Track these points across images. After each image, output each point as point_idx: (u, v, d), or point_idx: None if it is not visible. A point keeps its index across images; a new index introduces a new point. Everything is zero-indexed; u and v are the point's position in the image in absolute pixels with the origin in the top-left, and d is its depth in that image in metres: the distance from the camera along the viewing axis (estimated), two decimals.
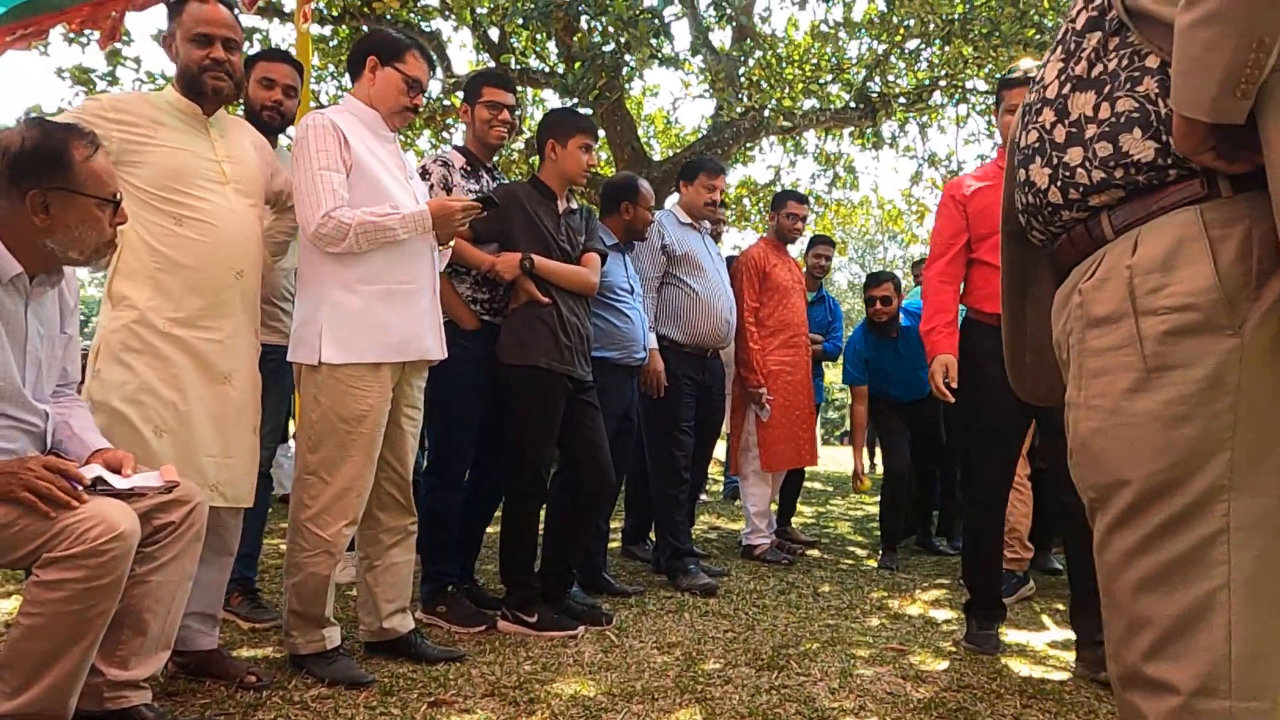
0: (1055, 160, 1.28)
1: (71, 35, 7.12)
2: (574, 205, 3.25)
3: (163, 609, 1.92)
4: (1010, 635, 3.23)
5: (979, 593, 3.07)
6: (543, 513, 3.18)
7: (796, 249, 5.47)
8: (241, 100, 2.84)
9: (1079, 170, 1.24)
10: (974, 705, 2.41)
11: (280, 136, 3.15)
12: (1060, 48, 1.31)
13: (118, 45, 7.79)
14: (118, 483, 1.81)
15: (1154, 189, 1.16)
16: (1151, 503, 1.10)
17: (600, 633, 3.01)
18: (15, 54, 5.11)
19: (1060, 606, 3.80)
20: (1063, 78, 1.28)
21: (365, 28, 8.29)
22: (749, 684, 2.51)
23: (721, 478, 9.03)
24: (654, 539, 4.29)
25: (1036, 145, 1.33)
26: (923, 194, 11.82)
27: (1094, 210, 1.25)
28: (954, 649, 2.99)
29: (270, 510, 4.60)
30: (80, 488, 1.73)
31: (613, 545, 4.60)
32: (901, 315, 4.98)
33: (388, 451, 2.57)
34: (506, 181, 3.33)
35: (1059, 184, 1.28)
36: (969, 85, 9.65)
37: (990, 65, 8.41)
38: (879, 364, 5.00)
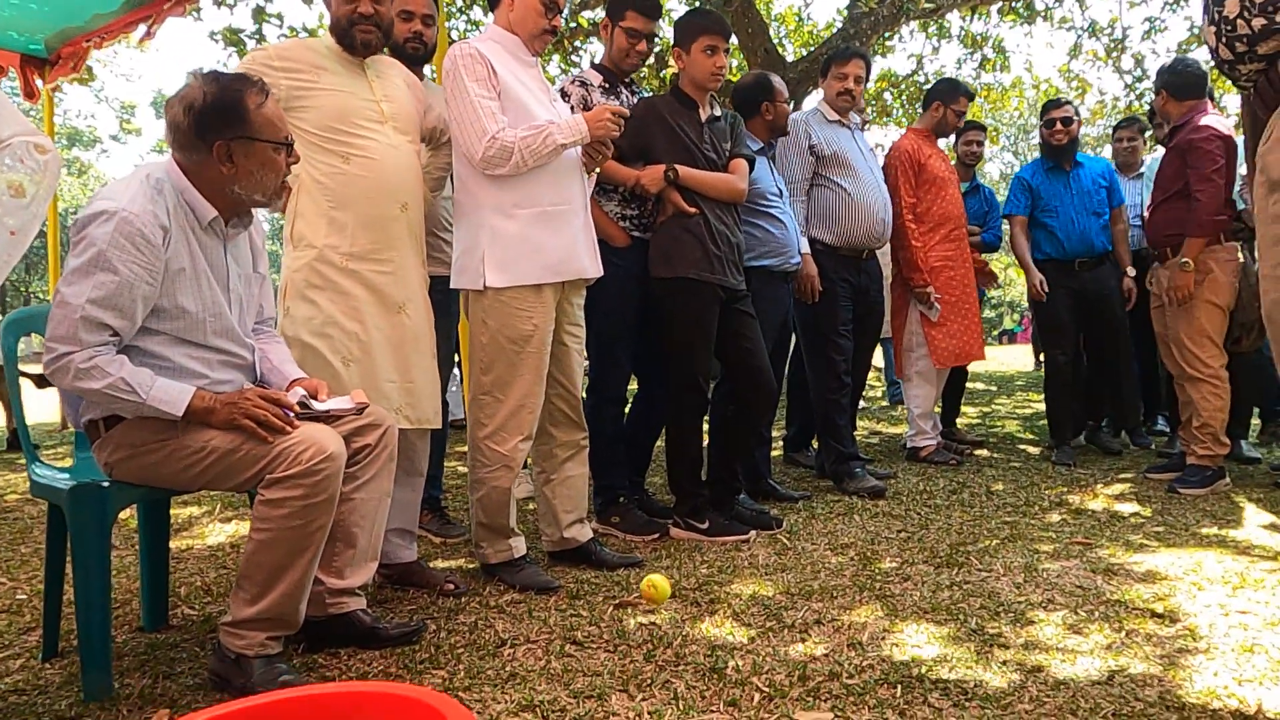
0: (1216, 15, 1.18)
1: None
2: (717, 112, 3.18)
3: (368, 523, 2.08)
4: (1208, 527, 3.06)
5: None
6: (706, 423, 3.23)
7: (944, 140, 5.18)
8: None
9: (1239, 21, 1.13)
10: (1174, 597, 2.31)
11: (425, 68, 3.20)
12: None
13: (260, 3, 8.12)
14: (317, 406, 1.95)
15: None
16: None
17: (771, 537, 3.05)
18: (174, 22, 5.44)
19: (1260, 495, 3.57)
20: None
21: None
22: (929, 580, 2.49)
23: (878, 383, 8.87)
24: (817, 446, 4.28)
25: (1205, 2, 1.22)
26: (1083, 68, 10.98)
27: (1269, 59, 1.14)
28: (1146, 542, 2.87)
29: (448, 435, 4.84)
30: (290, 414, 1.88)
31: (775, 453, 4.62)
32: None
33: (555, 369, 2.65)
34: (647, 95, 3.30)
35: (1224, 40, 1.17)
36: None
37: None
38: (1047, 201, 4.51)
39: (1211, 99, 3.89)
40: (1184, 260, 3.64)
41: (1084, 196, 4.47)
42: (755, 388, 3.12)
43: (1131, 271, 4.51)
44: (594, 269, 2.67)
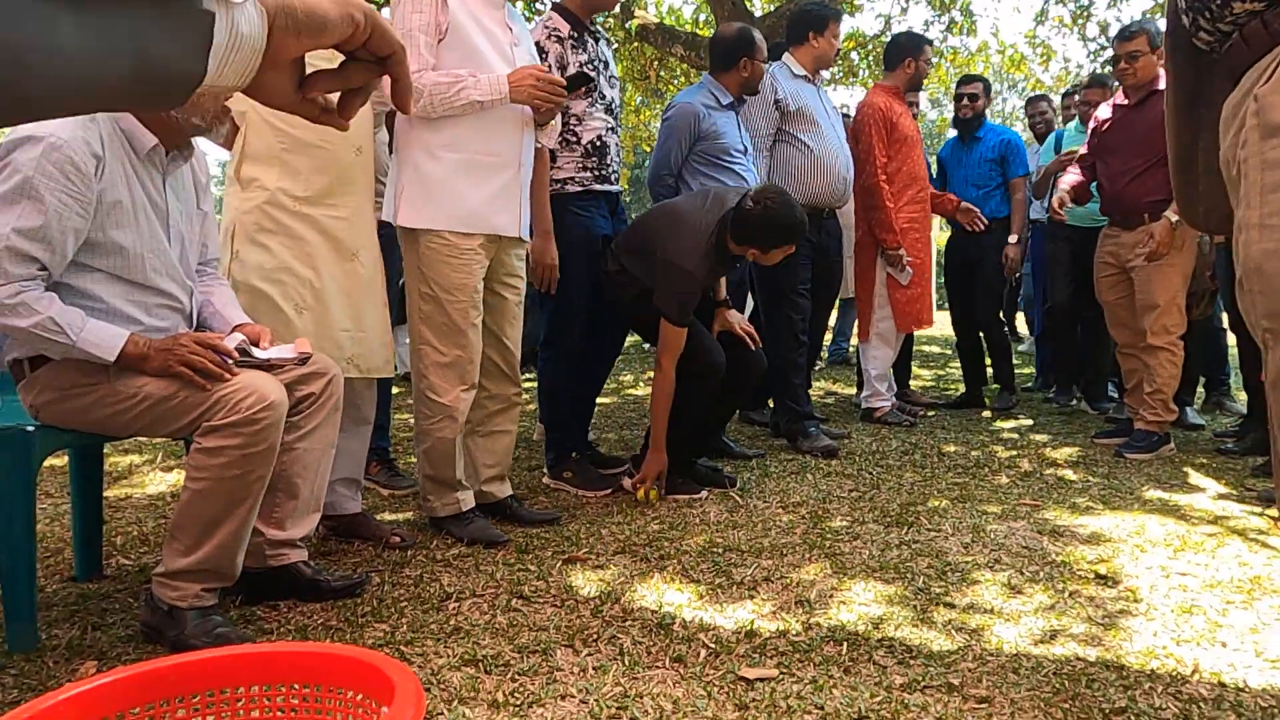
0: None
1: None
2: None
3: (310, 474, 2.02)
4: (1152, 492, 3.11)
5: None
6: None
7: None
8: None
9: None
10: (1116, 559, 2.35)
11: None
12: None
13: None
14: (258, 354, 1.88)
15: None
16: None
17: (724, 494, 3.04)
18: None
19: (1203, 460, 3.64)
20: None
21: None
22: (878, 539, 2.50)
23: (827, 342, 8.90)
24: (772, 404, 4.28)
25: None
26: (1048, 34, 10.98)
27: (1271, 0, 1.09)
28: (1091, 505, 2.91)
29: (397, 390, 4.77)
30: (229, 361, 1.80)
31: None
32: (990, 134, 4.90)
33: (489, 319, 2.58)
34: (606, 45, 3.16)
35: None
36: None
37: None
38: (950, 170, 5.00)
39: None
40: (1176, 219, 3.59)
41: (968, 169, 4.87)
42: (747, 367, 3.09)
43: (1013, 239, 4.77)
44: (513, 229, 2.54)
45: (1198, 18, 1.21)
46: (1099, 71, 4.92)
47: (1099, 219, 4.43)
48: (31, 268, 1.65)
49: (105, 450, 3.38)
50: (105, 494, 2.93)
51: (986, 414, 4.92)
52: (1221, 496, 3.05)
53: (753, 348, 3.13)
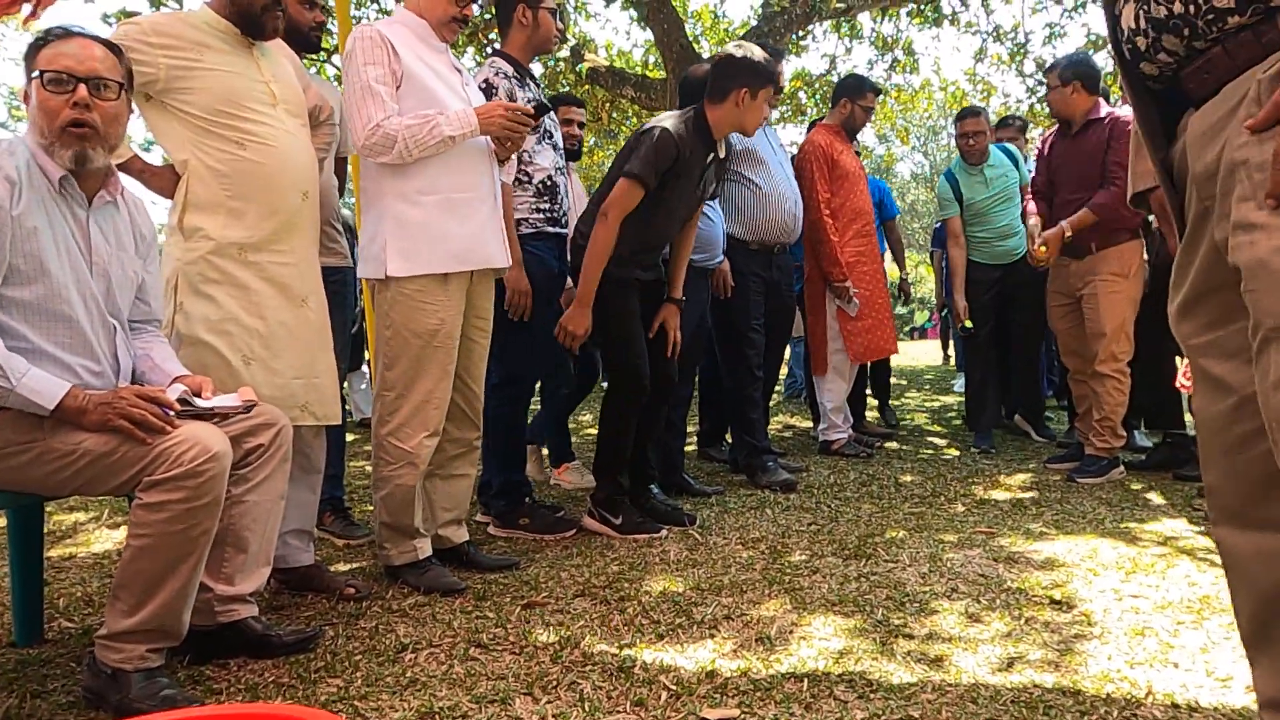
0: None
1: None
2: (723, 152, 3.09)
3: (260, 526, 1.98)
4: (1104, 515, 3.16)
5: None
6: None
7: None
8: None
9: None
10: (1071, 583, 2.37)
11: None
12: None
13: None
14: (200, 403, 1.84)
15: None
16: None
17: (684, 532, 3.03)
18: (66, 5, 5.14)
19: (1152, 483, 3.71)
20: None
21: None
22: (837, 573, 2.50)
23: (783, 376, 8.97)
24: (730, 440, 4.29)
25: None
26: (987, 71, 11.31)
27: (1272, 12, 1.10)
28: (1045, 530, 2.95)
29: (352, 437, 4.72)
30: (171, 413, 1.77)
31: (689, 448, 4.61)
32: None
33: (458, 364, 2.58)
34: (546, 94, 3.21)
35: None
36: None
37: None
38: None
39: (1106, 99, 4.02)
40: (1069, 233, 3.73)
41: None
42: (656, 373, 3.12)
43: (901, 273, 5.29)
44: (501, 258, 2.60)
45: (1161, 36, 1.20)
46: (974, 105, 5.05)
47: (1010, 255, 4.58)
48: None
49: (48, 508, 3.29)
50: (47, 553, 2.85)
51: (942, 442, 4.98)
52: (1170, 517, 3.11)
53: (667, 354, 3.18)
